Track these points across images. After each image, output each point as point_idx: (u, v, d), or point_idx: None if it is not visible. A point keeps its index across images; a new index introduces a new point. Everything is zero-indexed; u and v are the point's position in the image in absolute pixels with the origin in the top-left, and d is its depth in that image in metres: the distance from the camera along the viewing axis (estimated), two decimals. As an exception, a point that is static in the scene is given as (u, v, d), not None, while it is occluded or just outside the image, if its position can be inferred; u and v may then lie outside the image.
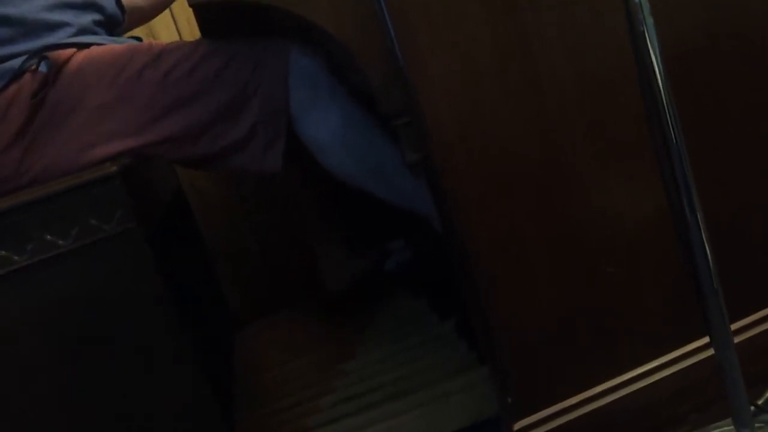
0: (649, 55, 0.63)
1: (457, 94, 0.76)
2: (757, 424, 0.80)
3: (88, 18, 1.13)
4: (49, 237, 0.82)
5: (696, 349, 0.84)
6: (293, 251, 1.74)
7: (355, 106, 1.05)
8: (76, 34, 1.10)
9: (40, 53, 1.03)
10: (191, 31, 1.70)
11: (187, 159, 1.06)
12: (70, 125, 1.01)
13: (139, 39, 1.28)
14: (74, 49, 1.06)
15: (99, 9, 1.17)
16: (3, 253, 0.81)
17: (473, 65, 0.76)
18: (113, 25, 1.23)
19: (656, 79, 0.64)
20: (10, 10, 1.05)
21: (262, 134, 1.01)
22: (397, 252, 1.59)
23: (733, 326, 0.82)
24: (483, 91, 0.77)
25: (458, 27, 0.75)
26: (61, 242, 0.82)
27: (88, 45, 1.07)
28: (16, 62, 1.03)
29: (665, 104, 0.64)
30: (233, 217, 1.78)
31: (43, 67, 1.02)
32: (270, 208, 1.77)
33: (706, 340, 0.81)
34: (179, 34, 1.71)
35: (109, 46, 1.08)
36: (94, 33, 1.14)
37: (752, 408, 0.81)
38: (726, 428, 0.80)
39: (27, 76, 1.02)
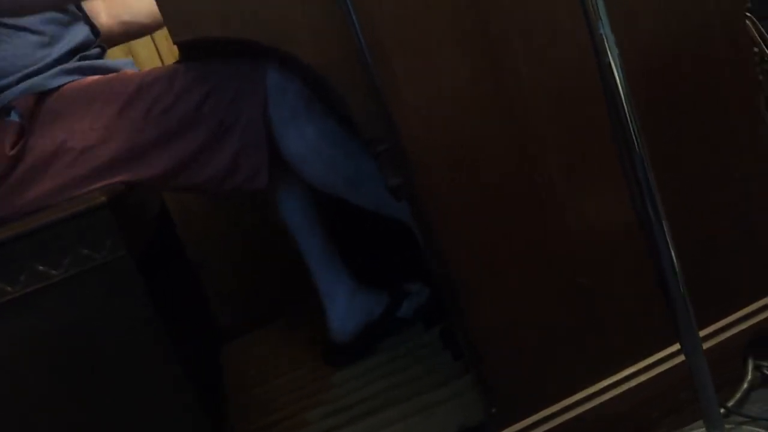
0: (615, 82, 0.67)
1: (434, 119, 0.79)
2: (727, 426, 0.84)
3: (55, 52, 1.13)
4: (41, 267, 0.84)
5: (668, 355, 0.87)
6: (277, 264, 1.76)
7: (331, 120, 1.09)
8: (43, 70, 1.09)
9: (7, 104, 1.04)
10: (170, 48, 1.72)
11: (172, 189, 1.09)
12: (54, 168, 1.03)
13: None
14: (42, 92, 1.06)
15: (68, 41, 1.17)
16: (-4, 284, 0.83)
17: (448, 91, 0.79)
18: (87, 49, 1.22)
19: (622, 104, 0.67)
20: None
21: (244, 164, 1.03)
22: (413, 294, 1.37)
23: (702, 332, 0.87)
24: (458, 115, 0.80)
25: (432, 55, 0.79)
26: (53, 272, 0.84)
27: (58, 87, 1.08)
28: None
29: (630, 123, 0.67)
30: (217, 232, 1.80)
31: (13, 116, 1.03)
32: (254, 221, 1.79)
33: (678, 346, 0.84)
34: (158, 53, 1.72)
35: (81, 83, 1.08)
36: (65, 63, 1.13)
37: (723, 410, 0.85)
38: (698, 430, 0.83)
39: None
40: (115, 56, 1.57)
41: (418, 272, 1.38)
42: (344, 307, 1.29)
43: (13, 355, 0.84)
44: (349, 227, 1.45)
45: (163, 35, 1.71)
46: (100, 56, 1.24)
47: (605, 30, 0.66)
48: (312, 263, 1.30)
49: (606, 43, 0.66)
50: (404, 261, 1.43)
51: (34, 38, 1.11)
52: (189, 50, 1.21)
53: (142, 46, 1.71)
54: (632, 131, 0.68)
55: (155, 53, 1.74)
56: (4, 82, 1.06)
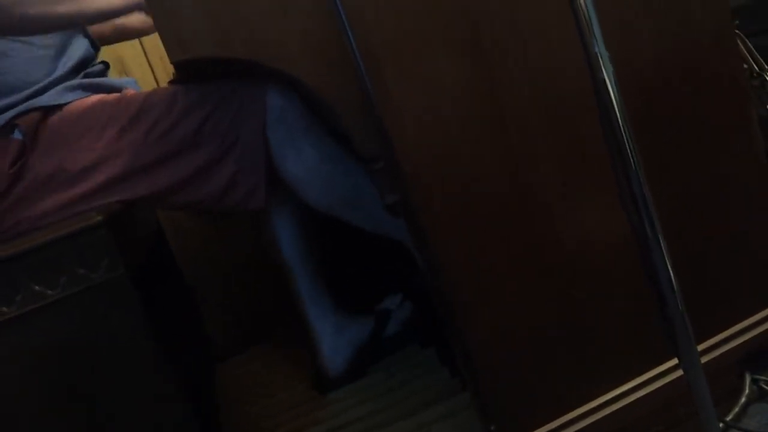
0: (610, 98, 0.67)
1: (430, 136, 0.80)
2: (726, 440, 0.84)
3: (60, 69, 1.13)
4: (37, 287, 0.84)
5: (666, 370, 0.87)
6: (273, 281, 1.75)
7: (329, 140, 1.10)
8: (49, 88, 1.10)
9: (11, 121, 1.04)
10: (164, 67, 1.72)
11: (169, 207, 1.09)
12: (52, 188, 1.03)
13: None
14: (45, 111, 1.07)
15: (70, 56, 1.17)
16: (-8, 304, 0.83)
17: (444, 108, 0.80)
18: (88, 65, 1.23)
19: (617, 121, 0.68)
20: None
21: (242, 183, 1.04)
22: (396, 311, 1.36)
23: (699, 347, 0.87)
24: (454, 132, 0.80)
25: (428, 72, 0.79)
26: (49, 292, 0.84)
27: (60, 105, 1.08)
28: None
29: (625, 140, 0.68)
30: (212, 248, 1.79)
31: (17, 134, 1.03)
32: (247, 240, 1.78)
33: (675, 360, 0.84)
34: (152, 72, 1.73)
35: (85, 102, 1.09)
36: (68, 81, 1.14)
37: (721, 425, 0.85)
38: (697, 445, 0.83)
39: None
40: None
41: (396, 285, 1.41)
42: (332, 344, 1.30)
43: (10, 375, 0.83)
44: (337, 249, 1.45)
45: (157, 55, 1.72)
46: (104, 73, 1.25)
47: (600, 48, 0.67)
48: (300, 295, 1.31)
49: (600, 60, 0.67)
50: (381, 277, 1.43)
51: (40, 52, 1.12)
52: (185, 69, 1.21)
53: (137, 65, 1.71)
54: (628, 149, 0.68)
55: (149, 72, 1.74)
56: (11, 99, 1.06)
